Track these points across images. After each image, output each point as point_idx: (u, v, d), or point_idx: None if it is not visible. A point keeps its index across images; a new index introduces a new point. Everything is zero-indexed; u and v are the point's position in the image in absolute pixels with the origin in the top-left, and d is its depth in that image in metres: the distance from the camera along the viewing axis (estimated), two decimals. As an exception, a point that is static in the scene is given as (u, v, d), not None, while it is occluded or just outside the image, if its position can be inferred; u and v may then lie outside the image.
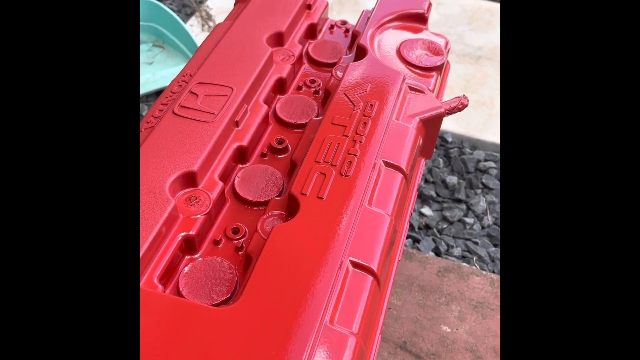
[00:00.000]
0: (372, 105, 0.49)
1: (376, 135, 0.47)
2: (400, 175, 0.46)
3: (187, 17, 1.27)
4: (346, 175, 0.44)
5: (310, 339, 0.34)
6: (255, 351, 0.34)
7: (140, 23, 1.17)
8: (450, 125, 1.04)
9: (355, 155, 0.45)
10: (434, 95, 0.52)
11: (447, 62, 0.65)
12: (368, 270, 0.39)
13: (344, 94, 0.50)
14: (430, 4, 0.61)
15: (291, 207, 0.43)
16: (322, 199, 0.42)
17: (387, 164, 0.46)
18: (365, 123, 0.48)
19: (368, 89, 0.51)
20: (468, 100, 0.52)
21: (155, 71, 1.10)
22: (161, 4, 1.14)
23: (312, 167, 0.44)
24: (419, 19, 0.60)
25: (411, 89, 0.52)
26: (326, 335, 0.35)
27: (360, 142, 0.46)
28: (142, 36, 1.17)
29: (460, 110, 0.52)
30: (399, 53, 0.56)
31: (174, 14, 1.12)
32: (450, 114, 0.52)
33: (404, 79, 0.52)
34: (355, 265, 0.39)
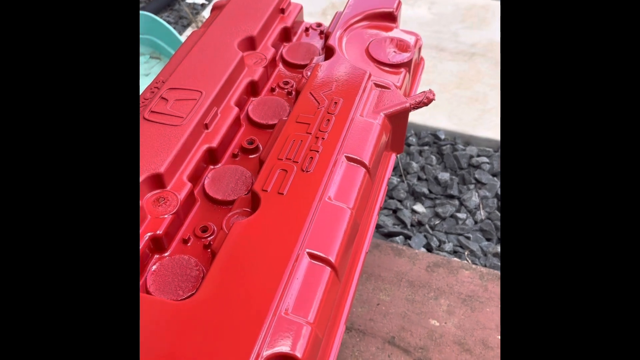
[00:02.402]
0: (336, 102, 0.50)
1: (339, 132, 0.48)
2: (362, 170, 0.47)
3: (183, 28, 1.30)
4: (307, 171, 0.45)
5: (263, 328, 0.35)
6: (211, 341, 0.35)
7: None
8: (443, 122, 1.05)
9: (317, 152, 0.46)
10: (400, 92, 0.53)
11: (421, 59, 0.65)
12: (325, 262, 0.40)
13: (310, 93, 0.51)
14: (400, 3, 0.62)
15: (254, 204, 0.44)
16: (283, 194, 0.43)
17: (350, 159, 0.47)
18: (328, 120, 0.49)
19: (333, 87, 0.52)
20: (434, 94, 0.53)
21: (152, 82, 1.12)
22: (157, 18, 1.17)
23: (275, 164, 0.45)
24: (389, 18, 0.61)
25: (377, 85, 0.53)
26: (280, 324, 0.36)
27: (323, 138, 0.47)
28: (140, 49, 1.20)
29: (426, 104, 0.53)
30: (367, 52, 0.57)
31: (170, 27, 1.15)
32: (416, 109, 0.53)
33: (369, 76, 0.53)
34: (312, 256, 0.40)
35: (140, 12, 1.19)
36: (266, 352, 0.35)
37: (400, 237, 0.87)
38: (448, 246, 0.86)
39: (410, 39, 0.59)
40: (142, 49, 1.20)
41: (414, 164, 0.98)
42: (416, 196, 0.94)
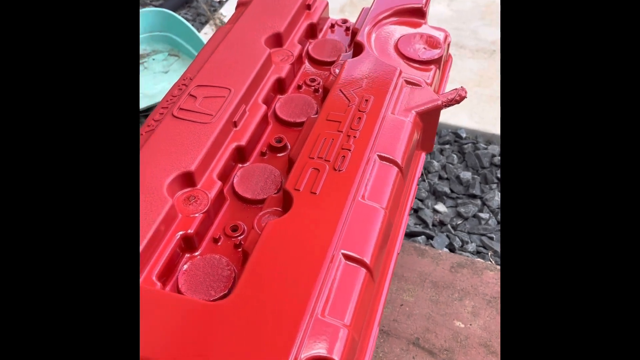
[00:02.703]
0: (367, 100, 0.49)
1: (370, 130, 0.47)
2: (395, 169, 0.46)
3: (201, 25, 1.29)
4: (339, 170, 0.44)
5: (300, 331, 0.35)
6: (247, 343, 0.34)
7: (156, 33, 1.20)
8: (464, 120, 1.03)
9: (349, 150, 0.45)
10: (431, 89, 0.52)
11: (450, 56, 0.64)
12: (361, 263, 0.39)
13: (340, 90, 0.50)
14: (428, -2, 0.61)
15: (286, 203, 0.43)
16: (315, 193, 0.42)
17: (382, 158, 0.46)
18: (359, 118, 0.48)
19: (364, 84, 0.51)
20: (466, 92, 0.52)
21: (171, 79, 1.12)
22: (176, 14, 1.17)
23: (306, 163, 0.45)
24: (417, 14, 0.60)
25: (408, 82, 0.52)
26: (317, 326, 0.35)
27: (355, 137, 0.46)
28: (158, 46, 1.20)
29: (458, 102, 0.52)
30: (396, 48, 0.56)
31: (188, 24, 1.15)
32: (448, 106, 0.52)
33: (400, 73, 0.52)
34: (347, 257, 0.39)
35: (159, 9, 1.19)
36: (304, 355, 0.34)
37: (422, 237, 0.86)
38: (471, 246, 0.84)
39: (440, 35, 0.58)
40: (161, 46, 1.20)
41: (435, 163, 0.97)
42: (437, 195, 0.93)
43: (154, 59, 1.18)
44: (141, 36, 1.20)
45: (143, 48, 1.20)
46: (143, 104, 1.08)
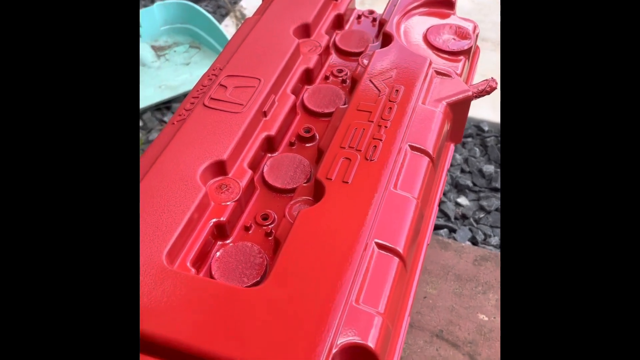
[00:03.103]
0: (397, 90, 0.49)
1: (402, 120, 0.47)
2: (426, 159, 0.46)
3: (222, 17, 1.30)
4: (371, 160, 0.44)
5: (336, 317, 0.35)
6: (282, 329, 0.35)
7: (177, 25, 1.21)
8: (486, 113, 1.03)
9: (381, 140, 0.45)
10: (461, 79, 0.52)
11: (477, 48, 0.64)
12: (394, 252, 0.39)
13: (370, 80, 0.50)
14: (457, -11, 0.60)
15: (317, 192, 0.43)
16: (348, 183, 0.42)
17: (413, 148, 0.46)
18: (390, 108, 0.48)
19: (394, 74, 0.51)
20: (497, 83, 0.52)
21: (193, 71, 1.13)
22: (197, 6, 1.17)
23: (338, 152, 0.45)
24: (446, 4, 0.60)
25: (438, 73, 0.52)
26: (352, 314, 0.36)
27: (386, 127, 0.46)
28: (179, 38, 1.20)
29: (488, 93, 0.52)
30: (425, 39, 0.56)
31: (209, 15, 1.15)
32: (479, 97, 0.51)
33: (430, 64, 0.52)
34: (380, 247, 0.39)
35: (180, 1, 1.19)
36: (339, 341, 0.34)
37: (445, 230, 0.85)
38: (494, 240, 0.84)
39: (469, 26, 0.57)
40: (182, 38, 1.21)
41: (457, 156, 0.96)
42: (460, 189, 0.92)
43: (175, 51, 1.18)
44: (162, 28, 1.21)
45: (164, 40, 1.21)
46: (165, 95, 1.08)
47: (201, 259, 0.42)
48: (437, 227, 0.86)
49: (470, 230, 0.86)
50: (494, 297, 0.72)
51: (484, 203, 0.89)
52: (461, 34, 0.56)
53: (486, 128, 1.01)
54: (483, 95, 0.51)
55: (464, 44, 0.55)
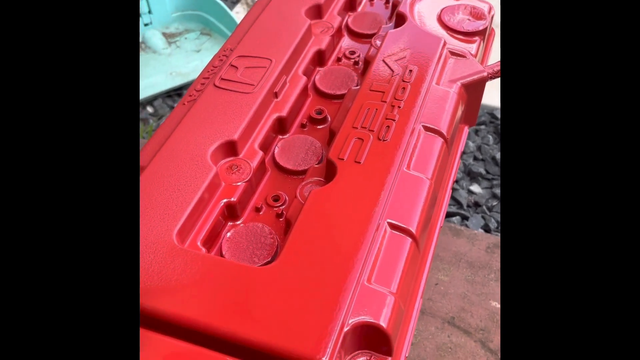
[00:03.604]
0: (411, 70, 0.48)
1: (415, 100, 0.46)
2: (440, 140, 0.45)
3: (233, 4, 1.29)
4: (384, 140, 0.43)
5: (347, 296, 0.34)
6: (294, 307, 0.34)
7: (188, 12, 1.20)
8: (500, 101, 1.01)
9: (394, 120, 0.45)
10: (476, 60, 0.51)
11: (493, 30, 0.63)
12: (406, 232, 0.39)
13: (383, 61, 0.50)
14: (472, -31, 0.59)
15: (329, 173, 0.43)
16: (360, 163, 0.42)
17: (427, 129, 0.45)
18: (404, 88, 0.47)
19: (407, 55, 0.50)
20: (512, 64, 0.51)
21: (203, 58, 1.13)
22: (208, -7, 1.17)
23: (350, 133, 0.44)
24: (460, -15, 0.58)
25: (452, 53, 0.51)
26: (364, 293, 0.35)
27: (399, 107, 0.46)
28: (190, 25, 1.20)
29: (504, 74, 0.50)
30: (439, 19, 0.55)
31: (221, 2, 1.14)
32: (494, 78, 0.50)
33: (444, 44, 0.51)
34: (393, 227, 0.39)
35: (192, -13, 1.18)
36: (351, 320, 0.34)
37: (457, 217, 0.85)
38: (507, 227, 0.83)
39: (484, 7, 0.56)
40: (193, 25, 1.20)
41: (470, 144, 0.95)
42: (472, 176, 0.91)
43: (186, 38, 1.18)
44: (173, 15, 1.21)
45: (175, 27, 1.20)
46: (175, 82, 1.08)
47: (212, 239, 0.42)
48: (449, 215, 0.85)
49: (483, 217, 0.85)
50: (507, 285, 0.71)
51: (497, 191, 0.88)
52: (476, 14, 0.55)
53: (499, 115, 0.99)
54: (498, 76, 0.50)
55: (479, 25, 0.54)
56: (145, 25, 1.16)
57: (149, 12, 1.17)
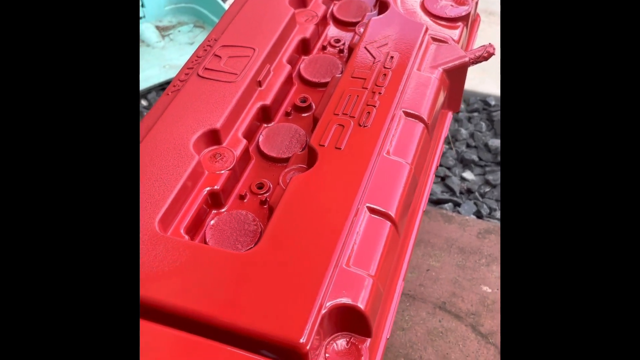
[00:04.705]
0: (392, 57, 0.49)
1: (396, 86, 0.46)
2: (421, 125, 0.45)
3: (226, -3, 1.29)
4: (364, 126, 0.44)
5: (325, 279, 0.35)
6: (274, 291, 0.35)
7: (182, 5, 1.20)
8: (493, 88, 1.01)
9: (374, 106, 0.45)
10: (458, 45, 0.51)
11: (478, 16, 0.63)
12: (385, 216, 0.39)
13: (365, 47, 0.50)
14: (456, -45, 0.59)
15: (310, 159, 0.43)
16: (340, 149, 0.42)
17: (408, 114, 0.45)
18: (385, 75, 0.47)
19: (389, 42, 0.50)
20: (494, 49, 0.51)
21: (197, 51, 1.13)
22: (200, -15, 1.17)
23: (331, 119, 0.44)
24: (444, -29, 0.58)
25: (434, 39, 0.51)
26: (342, 276, 0.36)
27: (380, 93, 0.46)
28: (184, 17, 1.20)
29: (486, 59, 0.51)
30: (422, 6, 0.55)
31: (213, -6, 1.14)
32: (476, 63, 0.51)
33: (426, 30, 0.51)
34: (372, 211, 0.39)
35: (184, -20, 1.18)
36: (329, 303, 0.34)
37: (450, 204, 0.85)
38: (499, 214, 0.83)
39: (468, -7, 0.56)
40: (186, 18, 1.20)
41: (463, 131, 0.95)
42: (465, 163, 0.91)
43: (179, 31, 1.18)
44: (166, 8, 1.21)
45: (169, 20, 1.21)
46: (169, 75, 1.09)
47: (195, 227, 0.43)
48: (441, 202, 0.86)
49: (475, 204, 0.85)
50: (498, 270, 0.72)
51: (490, 177, 0.89)
52: (459, 0, 0.55)
53: (492, 102, 0.99)
54: (480, 61, 0.50)
55: (462, 10, 0.54)
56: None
57: (142, 5, 1.17)
